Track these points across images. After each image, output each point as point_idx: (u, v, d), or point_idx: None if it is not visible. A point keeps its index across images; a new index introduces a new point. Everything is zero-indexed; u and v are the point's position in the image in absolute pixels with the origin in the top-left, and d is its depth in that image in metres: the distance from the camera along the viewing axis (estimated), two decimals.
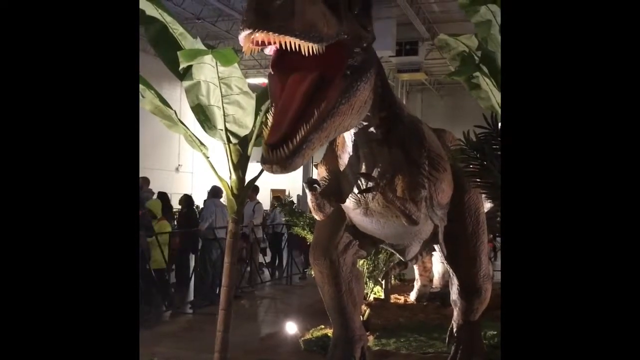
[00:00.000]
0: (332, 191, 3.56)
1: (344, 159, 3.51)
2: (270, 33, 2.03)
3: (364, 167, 3.33)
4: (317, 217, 3.60)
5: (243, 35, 2.08)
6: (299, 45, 2.12)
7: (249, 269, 9.03)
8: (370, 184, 3.12)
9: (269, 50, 2.28)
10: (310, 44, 2.15)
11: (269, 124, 2.25)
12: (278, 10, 2.02)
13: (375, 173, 3.27)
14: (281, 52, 2.25)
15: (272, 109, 2.31)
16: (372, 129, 3.13)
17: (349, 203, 3.58)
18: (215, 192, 8.26)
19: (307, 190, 3.37)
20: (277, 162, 2.18)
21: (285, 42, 2.08)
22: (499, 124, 2.87)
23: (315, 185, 3.37)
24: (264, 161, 2.21)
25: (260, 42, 2.12)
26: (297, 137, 2.22)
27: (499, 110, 4.95)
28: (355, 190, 3.40)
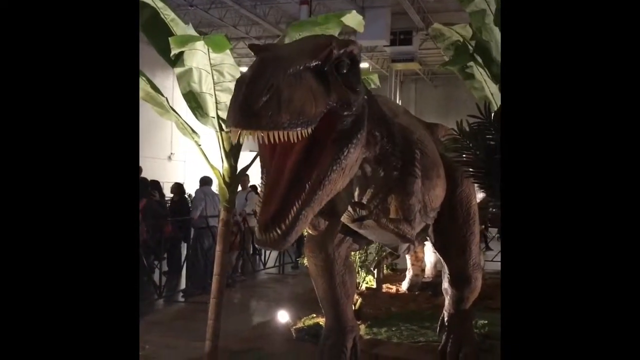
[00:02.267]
0: (327, 209, 3.56)
1: None
2: (258, 131, 2.02)
3: (357, 189, 3.31)
4: (313, 233, 3.60)
5: (229, 130, 2.07)
6: (288, 134, 2.09)
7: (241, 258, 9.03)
8: (363, 213, 3.10)
9: None
10: (300, 131, 2.12)
11: (261, 198, 2.24)
12: (264, 106, 1.99)
13: (368, 194, 3.25)
14: None
15: (264, 179, 2.29)
16: (365, 157, 3.11)
17: (344, 219, 3.58)
18: (204, 181, 8.24)
19: None
20: (271, 245, 2.18)
21: (275, 136, 2.06)
22: (492, 114, 2.87)
23: None
24: (257, 242, 2.21)
25: None
26: (289, 217, 2.19)
27: (493, 100, 4.95)
28: (350, 210, 3.38)
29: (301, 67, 2.20)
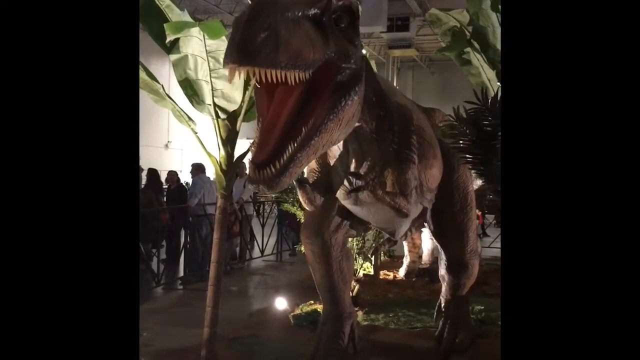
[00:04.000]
0: (323, 184, 3.56)
1: (334, 152, 3.49)
2: (256, 68, 2.01)
3: (353, 162, 3.31)
4: (308, 208, 3.60)
5: (227, 68, 2.05)
6: (285, 75, 2.08)
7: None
8: (360, 183, 3.10)
9: None
10: (298, 73, 2.11)
11: (256, 141, 2.23)
12: (262, 43, 1.98)
13: (364, 167, 3.25)
14: None
15: (259, 125, 2.28)
16: (361, 127, 3.10)
17: (339, 194, 3.58)
18: (199, 168, 8.22)
19: (297, 188, 3.36)
20: (264, 182, 2.16)
21: (272, 75, 2.05)
22: (489, 100, 2.86)
23: (306, 184, 3.36)
24: (250, 181, 2.19)
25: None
26: (284, 157, 2.20)
27: (490, 86, 4.95)
28: (346, 183, 3.38)
29: (299, 13, 2.19)
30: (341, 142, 3.32)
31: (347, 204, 3.67)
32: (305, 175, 3.64)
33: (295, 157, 2.22)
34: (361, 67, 2.61)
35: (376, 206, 3.49)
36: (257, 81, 2.16)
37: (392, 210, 3.30)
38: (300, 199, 3.48)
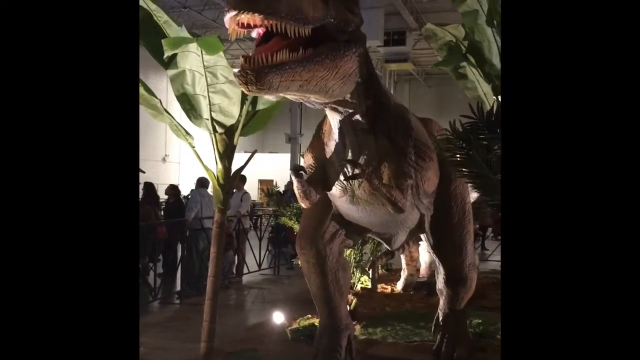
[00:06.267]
0: (319, 179, 3.55)
1: (331, 147, 3.50)
2: (256, 15, 2.03)
3: (350, 154, 3.33)
4: (303, 204, 3.58)
5: (228, 17, 2.07)
6: (285, 27, 2.12)
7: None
8: (356, 171, 3.12)
9: (255, 34, 2.28)
10: (297, 26, 2.15)
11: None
12: None
13: (361, 160, 3.27)
14: (266, 34, 2.25)
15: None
16: (358, 117, 3.13)
17: (335, 191, 3.58)
18: (202, 183, 8.22)
19: (293, 177, 3.35)
20: (252, 68, 2.17)
21: (271, 24, 2.08)
22: (485, 114, 2.88)
23: (302, 172, 3.35)
24: (239, 69, 2.19)
25: (245, 25, 2.11)
26: (277, 57, 2.22)
27: (485, 100, 4.98)
28: (342, 178, 3.39)
29: None
30: (338, 135, 3.34)
31: (343, 202, 3.66)
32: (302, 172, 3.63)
33: (288, 65, 2.24)
34: (361, 37, 2.73)
35: (372, 206, 3.49)
36: (261, 28, 2.19)
37: (388, 206, 3.29)
38: (296, 192, 3.45)
